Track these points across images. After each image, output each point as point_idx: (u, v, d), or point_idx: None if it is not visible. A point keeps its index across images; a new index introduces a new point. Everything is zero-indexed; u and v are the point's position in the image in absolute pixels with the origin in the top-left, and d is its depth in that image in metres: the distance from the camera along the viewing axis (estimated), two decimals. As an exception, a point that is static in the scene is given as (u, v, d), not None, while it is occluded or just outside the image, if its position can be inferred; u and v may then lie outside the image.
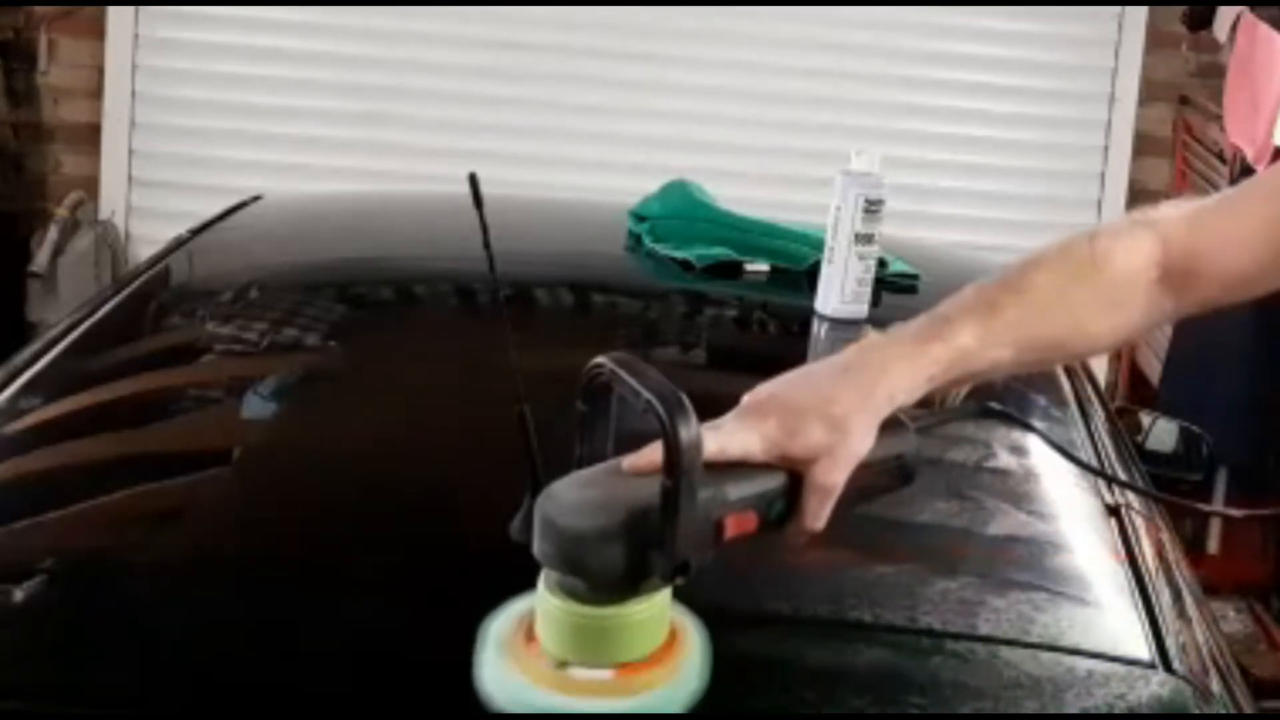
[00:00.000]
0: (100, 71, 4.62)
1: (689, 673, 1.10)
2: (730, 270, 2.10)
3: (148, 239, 4.35)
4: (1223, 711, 1.27)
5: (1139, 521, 1.55)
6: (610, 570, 1.05)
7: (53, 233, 4.53)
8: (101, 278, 4.48)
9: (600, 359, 1.11)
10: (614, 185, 3.05)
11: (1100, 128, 4.72)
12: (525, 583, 1.27)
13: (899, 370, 1.22)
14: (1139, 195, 4.70)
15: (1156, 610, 1.35)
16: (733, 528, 1.10)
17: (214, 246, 2.21)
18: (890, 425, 1.20)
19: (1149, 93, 4.71)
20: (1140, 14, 4.66)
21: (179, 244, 2.21)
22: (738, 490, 1.11)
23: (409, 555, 1.31)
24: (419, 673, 1.16)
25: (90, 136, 4.65)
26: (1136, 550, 1.46)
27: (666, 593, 1.09)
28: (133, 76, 4.62)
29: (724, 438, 1.13)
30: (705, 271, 2.08)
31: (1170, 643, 1.29)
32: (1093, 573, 1.42)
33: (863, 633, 1.25)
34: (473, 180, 1.29)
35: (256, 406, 1.71)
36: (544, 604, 1.08)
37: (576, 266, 2.17)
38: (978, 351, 1.26)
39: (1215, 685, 1.31)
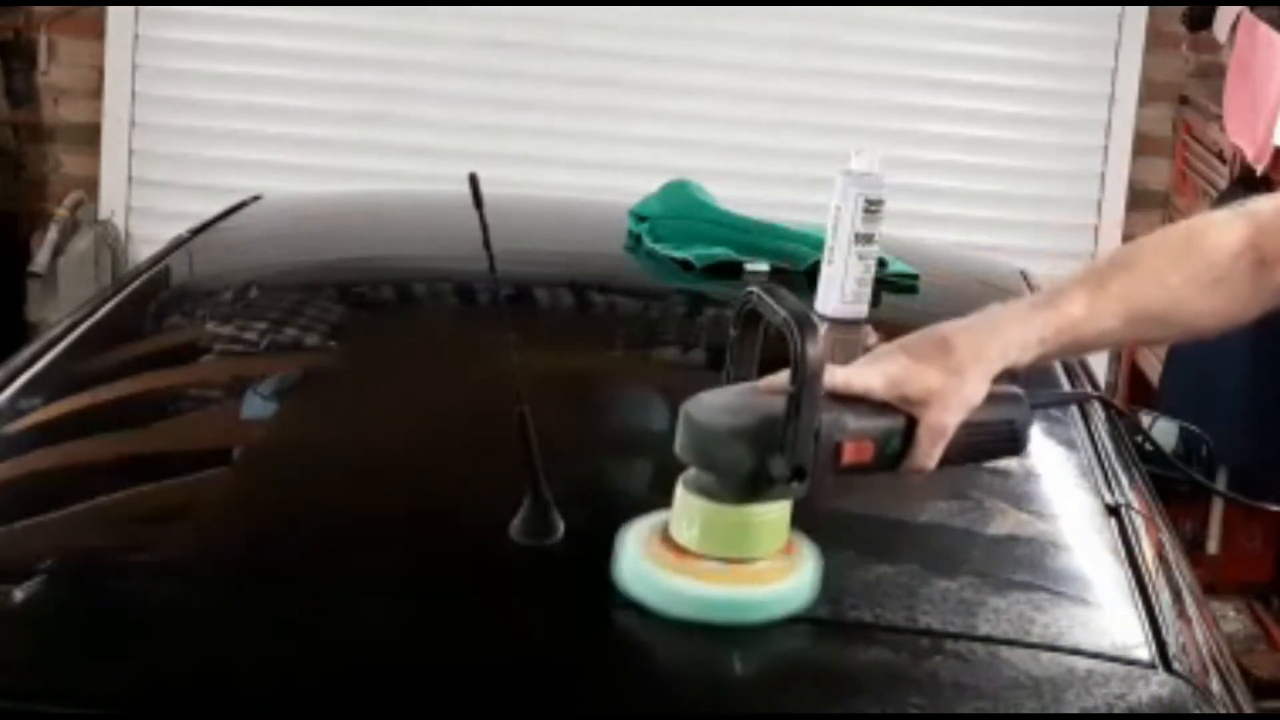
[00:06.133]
0: (100, 71, 4.62)
1: (800, 581, 1.23)
2: (730, 270, 2.09)
3: (148, 239, 4.34)
4: (1223, 711, 1.27)
5: (1139, 521, 1.55)
6: (737, 466, 1.19)
7: (53, 233, 4.52)
8: (101, 278, 4.48)
9: (751, 287, 1.28)
10: (614, 185, 3.05)
11: (1100, 128, 4.71)
12: (527, 582, 1.27)
13: (1013, 329, 1.35)
14: (1139, 195, 4.70)
15: (1156, 610, 1.35)
16: (850, 453, 1.24)
17: (214, 246, 2.21)
18: (1006, 395, 1.34)
19: (1149, 93, 4.70)
20: (1140, 14, 4.66)
21: (179, 244, 2.21)
22: (857, 421, 1.25)
23: (409, 556, 1.31)
24: (419, 672, 1.16)
25: (90, 136, 4.65)
26: (1136, 550, 1.46)
27: (787, 504, 1.22)
28: (133, 76, 4.62)
29: (852, 373, 1.28)
30: (705, 271, 2.08)
31: (1170, 643, 1.29)
32: (1093, 573, 1.42)
33: (863, 633, 1.25)
34: (473, 180, 1.29)
35: (256, 406, 1.71)
36: (681, 500, 1.22)
37: (576, 266, 2.17)
38: (1087, 320, 1.39)
39: (1215, 685, 1.31)
